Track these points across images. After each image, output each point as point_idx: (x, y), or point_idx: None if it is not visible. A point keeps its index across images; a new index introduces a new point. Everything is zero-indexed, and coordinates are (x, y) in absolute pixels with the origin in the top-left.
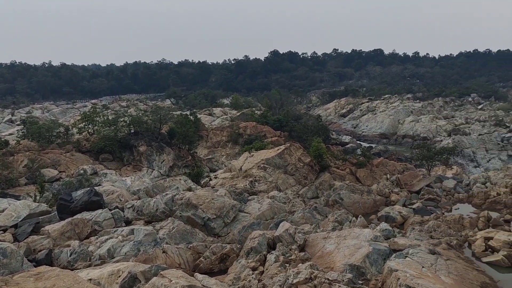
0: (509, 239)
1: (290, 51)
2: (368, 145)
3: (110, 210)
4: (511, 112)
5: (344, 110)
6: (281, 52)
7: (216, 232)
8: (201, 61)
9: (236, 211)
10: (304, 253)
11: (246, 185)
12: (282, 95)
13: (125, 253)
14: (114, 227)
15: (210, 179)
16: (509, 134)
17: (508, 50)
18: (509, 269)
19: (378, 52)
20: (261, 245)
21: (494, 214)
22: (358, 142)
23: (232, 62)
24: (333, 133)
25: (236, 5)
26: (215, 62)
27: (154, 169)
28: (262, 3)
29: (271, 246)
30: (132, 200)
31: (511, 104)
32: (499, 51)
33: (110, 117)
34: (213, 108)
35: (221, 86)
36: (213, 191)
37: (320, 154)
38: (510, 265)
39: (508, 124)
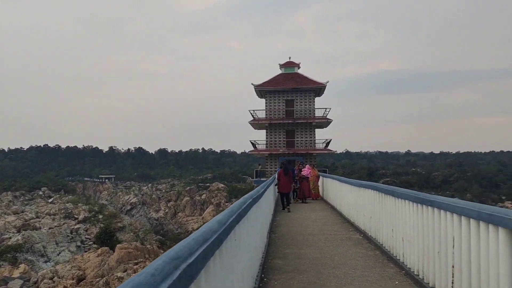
0: None
1: None
2: None
3: None
4: (79, 204)
5: None
6: None
7: None
8: None
9: None
10: None
11: None
12: None
13: None
14: None
15: None
16: (78, 225)
17: (76, 146)
18: None
19: None
20: None
21: None
22: None
23: None
24: None
25: None
26: None
27: None
28: None
29: None
30: None
31: (79, 196)
32: (67, 147)
33: None
34: None
35: None
36: None
37: None
38: None
39: (76, 216)
